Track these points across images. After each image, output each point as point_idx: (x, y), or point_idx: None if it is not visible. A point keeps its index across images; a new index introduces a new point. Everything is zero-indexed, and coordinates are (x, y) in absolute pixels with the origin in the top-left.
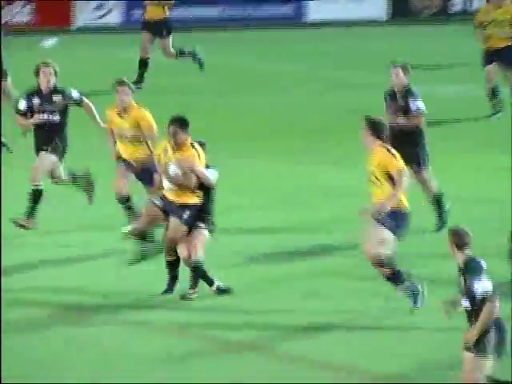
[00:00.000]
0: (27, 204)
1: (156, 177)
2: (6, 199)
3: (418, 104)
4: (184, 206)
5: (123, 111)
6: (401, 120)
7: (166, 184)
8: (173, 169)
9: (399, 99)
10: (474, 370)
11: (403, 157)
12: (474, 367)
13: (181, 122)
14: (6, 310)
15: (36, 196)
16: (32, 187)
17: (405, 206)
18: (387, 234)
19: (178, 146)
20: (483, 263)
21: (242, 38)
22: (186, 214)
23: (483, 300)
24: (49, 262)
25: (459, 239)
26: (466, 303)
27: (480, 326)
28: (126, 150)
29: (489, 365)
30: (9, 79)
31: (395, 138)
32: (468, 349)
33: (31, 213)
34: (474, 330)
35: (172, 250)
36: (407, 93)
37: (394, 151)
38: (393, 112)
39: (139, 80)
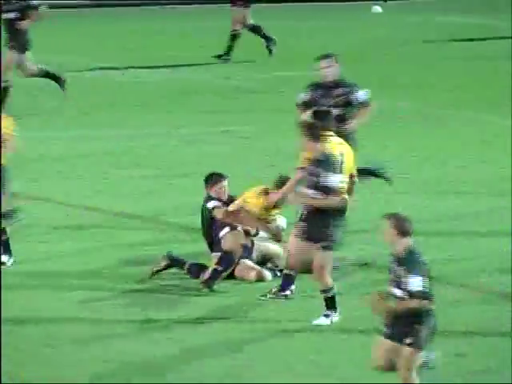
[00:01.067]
0: None
1: None
2: None
3: (359, 96)
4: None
5: None
6: (337, 112)
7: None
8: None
9: (331, 92)
10: (412, 362)
11: None
12: (410, 360)
13: None
14: None
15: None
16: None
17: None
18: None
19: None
20: (423, 257)
21: None
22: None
23: (415, 295)
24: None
25: (403, 226)
26: (397, 291)
27: (400, 310)
28: None
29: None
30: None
31: None
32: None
33: None
34: (394, 308)
35: None
36: (341, 85)
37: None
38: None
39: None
